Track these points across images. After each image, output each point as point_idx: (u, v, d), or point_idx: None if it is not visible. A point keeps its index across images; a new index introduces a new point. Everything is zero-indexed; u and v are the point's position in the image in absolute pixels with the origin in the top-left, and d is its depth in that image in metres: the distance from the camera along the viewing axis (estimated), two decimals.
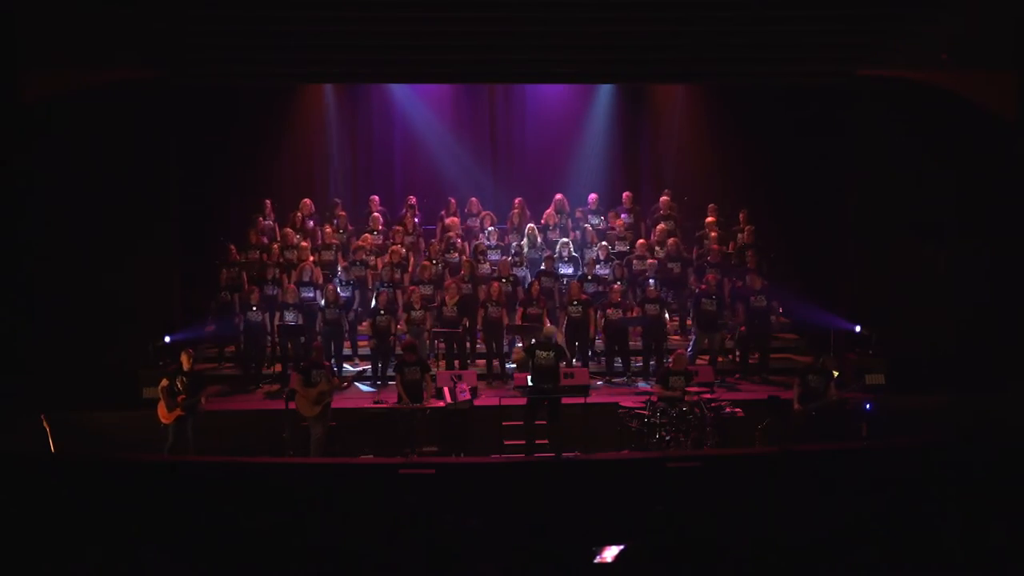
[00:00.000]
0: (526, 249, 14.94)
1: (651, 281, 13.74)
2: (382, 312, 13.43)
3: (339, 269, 14.47)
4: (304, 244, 14.85)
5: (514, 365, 12.44)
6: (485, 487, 9.57)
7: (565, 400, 11.22)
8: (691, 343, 13.81)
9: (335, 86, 16.88)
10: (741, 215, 15.27)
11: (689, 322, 14.33)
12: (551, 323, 13.21)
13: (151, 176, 13.52)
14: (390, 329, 13.50)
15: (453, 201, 15.97)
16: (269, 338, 13.81)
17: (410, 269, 14.59)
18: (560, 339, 12.61)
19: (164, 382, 11.30)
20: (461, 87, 17.24)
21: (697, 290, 13.94)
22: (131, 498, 9.12)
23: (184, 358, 11.55)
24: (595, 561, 7.80)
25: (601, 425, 11.68)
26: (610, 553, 7.91)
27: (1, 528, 8.64)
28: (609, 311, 13.46)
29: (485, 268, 14.40)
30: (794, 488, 9.26)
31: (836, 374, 11.99)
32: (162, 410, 11.29)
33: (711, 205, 15.60)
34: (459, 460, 11.06)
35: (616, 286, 13.67)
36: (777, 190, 15.49)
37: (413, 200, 16.03)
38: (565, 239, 14.88)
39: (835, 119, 14.33)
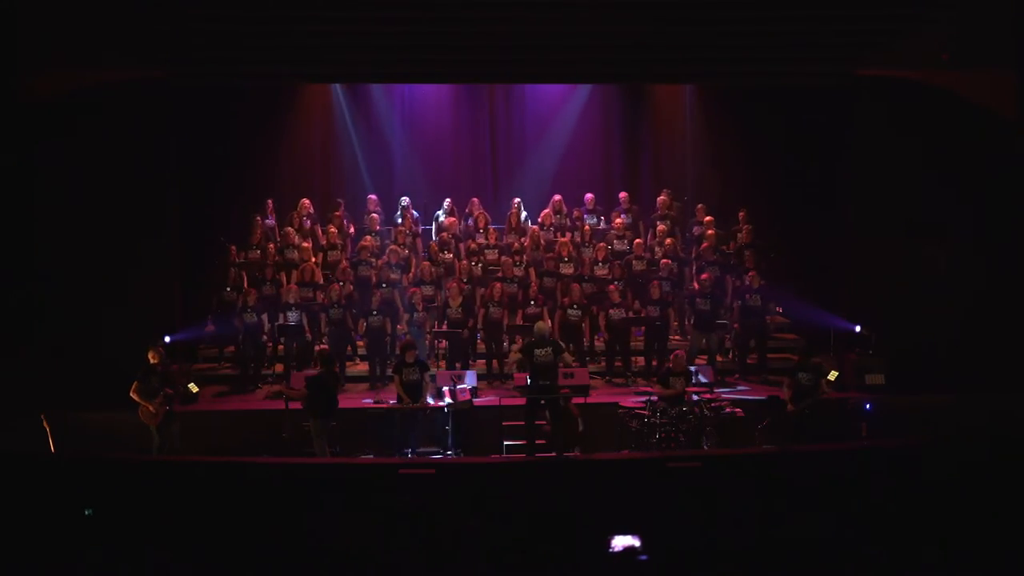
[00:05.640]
0: None
1: (656, 281, 13.72)
2: (375, 312, 13.42)
3: (339, 271, 14.45)
4: (306, 244, 14.86)
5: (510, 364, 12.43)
6: (485, 487, 9.57)
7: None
8: (689, 343, 13.82)
9: (336, 86, 16.88)
10: (740, 214, 15.28)
11: (688, 322, 14.34)
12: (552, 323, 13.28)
13: (151, 176, 13.51)
14: (384, 329, 13.49)
15: (449, 201, 15.98)
16: (266, 338, 13.79)
17: (412, 271, 14.59)
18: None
19: (136, 385, 11.25)
20: (461, 87, 17.24)
21: (690, 290, 13.97)
22: (131, 498, 9.13)
23: (151, 355, 11.44)
24: (609, 551, 7.83)
25: (601, 425, 11.68)
26: (622, 542, 7.94)
27: (1, 528, 8.65)
28: (612, 311, 13.47)
29: (478, 270, 14.38)
30: (794, 488, 9.26)
31: (835, 374, 11.99)
32: (144, 413, 11.27)
33: (699, 205, 15.63)
34: (459, 460, 11.06)
35: (612, 286, 13.67)
36: (777, 190, 15.49)
37: (407, 201, 16.01)
38: (564, 239, 14.89)
39: (835, 119, 14.33)
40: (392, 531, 8.65)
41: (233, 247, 14.76)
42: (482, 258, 14.63)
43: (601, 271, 14.24)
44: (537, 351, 11.07)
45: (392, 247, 14.69)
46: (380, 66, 14.25)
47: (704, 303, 13.58)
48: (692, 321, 13.86)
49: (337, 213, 15.64)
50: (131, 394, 11.22)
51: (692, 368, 12.35)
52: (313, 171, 17.19)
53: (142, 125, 13.30)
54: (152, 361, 11.36)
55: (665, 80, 16.30)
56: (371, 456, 11.42)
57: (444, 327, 13.50)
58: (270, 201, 15.74)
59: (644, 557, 7.94)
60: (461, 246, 15.11)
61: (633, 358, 13.82)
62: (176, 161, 14.05)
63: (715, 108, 16.46)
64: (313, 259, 14.54)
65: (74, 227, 13.00)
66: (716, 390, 12.21)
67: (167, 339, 13.08)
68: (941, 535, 8.45)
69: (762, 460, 10.35)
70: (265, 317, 13.64)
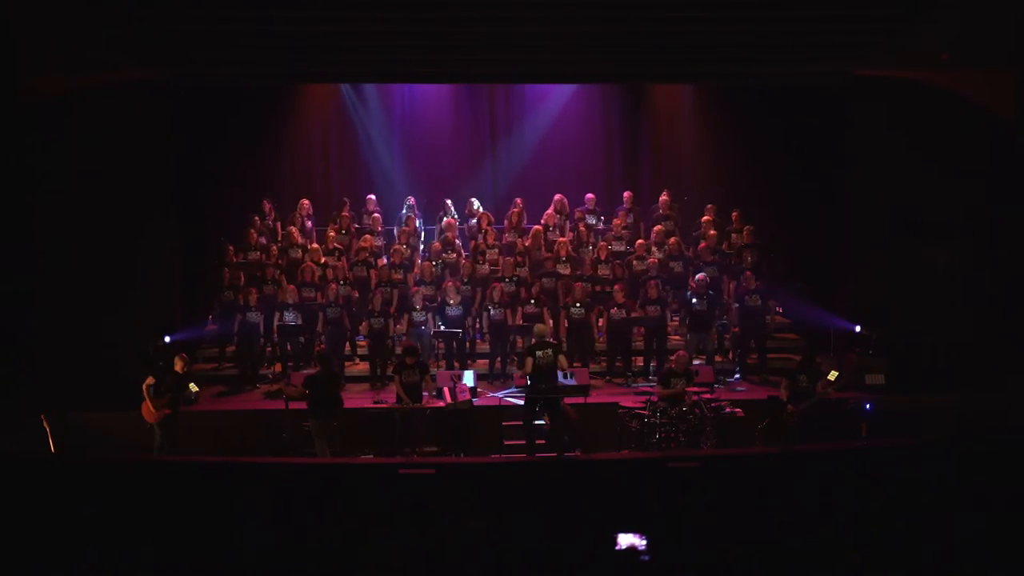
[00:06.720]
0: None
1: (653, 281, 13.72)
2: (376, 314, 13.43)
3: (338, 271, 14.44)
4: (314, 246, 14.87)
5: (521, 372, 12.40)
6: (485, 487, 9.57)
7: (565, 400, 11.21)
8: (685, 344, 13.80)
9: (334, 86, 16.88)
10: (734, 215, 15.28)
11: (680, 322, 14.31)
12: (553, 323, 13.25)
13: (151, 176, 13.51)
14: (386, 331, 13.49)
15: (448, 201, 15.97)
16: (262, 339, 13.76)
17: (416, 270, 14.60)
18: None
19: (150, 380, 11.27)
20: (461, 87, 17.24)
21: (688, 290, 13.98)
22: (131, 498, 9.13)
23: (178, 360, 11.52)
24: (613, 549, 7.83)
25: (601, 425, 11.67)
26: (627, 540, 7.95)
27: (1, 528, 8.65)
28: (613, 311, 13.47)
29: (484, 269, 14.39)
30: (794, 488, 9.25)
31: (836, 374, 12.00)
32: (147, 409, 11.26)
33: (709, 205, 15.63)
34: (459, 460, 11.07)
35: (618, 286, 13.68)
36: (777, 190, 15.50)
37: (412, 200, 16.05)
38: (563, 239, 14.88)
39: (834, 119, 14.33)
40: (392, 531, 8.65)
41: (231, 247, 14.75)
42: (483, 259, 14.63)
43: (603, 271, 14.24)
44: (538, 353, 11.08)
45: (396, 247, 14.70)
46: (380, 66, 14.25)
47: (700, 303, 13.57)
48: (687, 321, 13.82)
49: (345, 213, 15.65)
50: (143, 387, 11.23)
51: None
52: (314, 171, 17.21)
53: (142, 125, 13.31)
54: (176, 368, 11.42)
55: (665, 80, 16.31)
56: (371, 456, 11.42)
57: (441, 327, 13.51)
58: (266, 202, 15.75)
59: (646, 558, 7.94)
60: (458, 243, 15.10)
61: (633, 358, 13.82)
62: (176, 161, 14.05)
63: (715, 108, 16.47)
64: (313, 260, 14.52)
65: (74, 227, 13.00)
66: (716, 390, 12.21)
67: (167, 339, 13.10)
68: (941, 535, 8.44)
69: (762, 460, 10.35)
70: (262, 318, 13.64)
